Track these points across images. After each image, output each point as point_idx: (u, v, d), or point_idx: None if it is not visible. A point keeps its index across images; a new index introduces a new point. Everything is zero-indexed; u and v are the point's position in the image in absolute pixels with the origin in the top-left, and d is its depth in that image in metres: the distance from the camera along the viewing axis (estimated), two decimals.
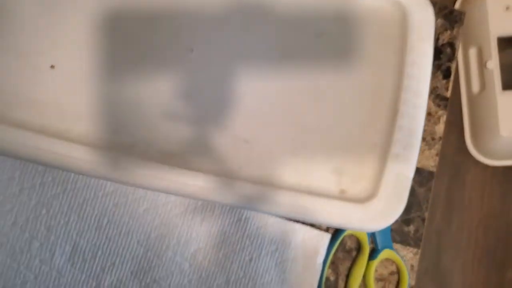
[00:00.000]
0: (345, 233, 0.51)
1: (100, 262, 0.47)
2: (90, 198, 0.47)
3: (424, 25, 0.45)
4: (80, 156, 0.37)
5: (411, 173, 0.42)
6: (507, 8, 1.17)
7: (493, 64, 1.14)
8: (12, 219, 0.46)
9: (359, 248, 0.53)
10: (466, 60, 1.23)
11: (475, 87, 1.21)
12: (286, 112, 0.43)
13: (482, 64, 1.18)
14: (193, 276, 0.48)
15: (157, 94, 0.41)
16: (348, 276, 0.53)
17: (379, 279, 0.53)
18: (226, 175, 0.40)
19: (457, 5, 1.26)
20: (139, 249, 0.48)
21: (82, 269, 0.47)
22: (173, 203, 0.48)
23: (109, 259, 0.47)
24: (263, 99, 0.43)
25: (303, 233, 0.50)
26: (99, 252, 0.47)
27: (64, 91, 0.40)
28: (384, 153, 0.43)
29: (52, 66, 0.39)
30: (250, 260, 0.49)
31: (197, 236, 0.49)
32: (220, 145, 0.42)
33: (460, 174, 1.25)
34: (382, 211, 0.41)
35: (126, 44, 0.41)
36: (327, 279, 0.52)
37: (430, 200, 0.56)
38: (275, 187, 0.40)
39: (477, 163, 1.24)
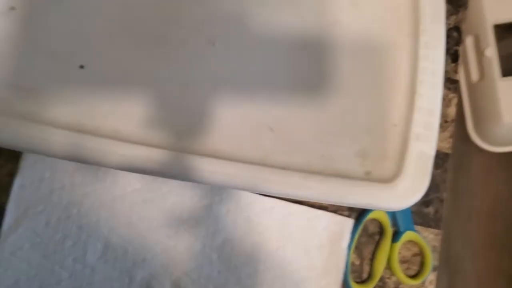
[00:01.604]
0: (367, 218, 0.52)
1: (132, 257, 0.48)
2: (119, 195, 0.48)
3: (435, 7, 0.46)
4: (115, 151, 0.38)
5: (432, 151, 0.44)
6: None
7: (491, 51, 1.16)
8: (44, 220, 0.47)
9: (381, 232, 0.54)
10: (464, 49, 1.24)
11: (474, 75, 1.23)
12: (308, 98, 0.44)
13: (480, 52, 1.20)
14: (222, 266, 0.49)
15: (184, 85, 0.42)
16: (372, 259, 0.54)
17: (402, 261, 0.54)
18: (253, 163, 0.41)
19: None
20: (169, 243, 0.49)
21: (115, 266, 0.48)
22: (199, 195, 0.49)
23: (141, 255, 0.48)
24: (284, 86, 0.44)
25: (327, 220, 0.52)
26: (130, 248, 0.48)
27: (93, 90, 0.41)
28: (405, 133, 0.44)
29: (81, 66, 0.40)
30: (277, 248, 0.50)
31: (224, 227, 0.50)
32: (246, 133, 0.43)
33: (464, 163, 1.27)
34: (408, 188, 0.43)
35: (152, 42, 0.43)
36: (352, 263, 0.53)
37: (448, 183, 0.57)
38: (304, 172, 0.41)
39: (481, 150, 1.25)
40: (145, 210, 0.48)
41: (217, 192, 0.50)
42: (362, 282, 0.53)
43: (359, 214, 0.53)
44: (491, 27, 1.17)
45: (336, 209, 0.53)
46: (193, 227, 0.49)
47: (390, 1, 0.47)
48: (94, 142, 0.38)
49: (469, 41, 1.20)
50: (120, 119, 0.40)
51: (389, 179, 0.43)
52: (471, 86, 1.24)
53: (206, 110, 0.42)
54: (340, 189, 0.41)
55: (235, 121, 0.43)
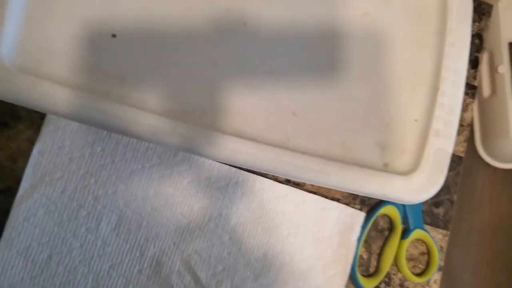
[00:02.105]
0: (378, 213, 0.53)
1: (145, 232, 0.48)
2: (137, 169, 0.48)
3: (462, 8, 0.47)
4: (141, 121, 0.39)
5: (450, 148, 0.44)
6: None
7: (505, 68, 1.16)
8: (61, 187, 0.47)
9: (391, 227, 0.54)
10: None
11: (486, 91, 1.23)
12: (332, 86, 0.45)
13: (493, 69, 1.20)
14: (233, 248, 0.50)
15: (213, 64, 0.43)
16: (380, 254, 0.54)
17: (409, 258, 0.55)
18: (275, 145, 0.42)
19: None
20: (183, 220, 0.49)
21: (127, 239, 0.48)
22: (215, 176, 0.50)
23: (154, 230, 0.48)
24: (310, 73, 0.45)
25: (339, 211, 0.52)
26: (144, 223, 0.48)
27: (124, 59, 0.41)
28: (425, 128, 0.45)
29: (113, 35, 0.41)
30: (288, 235, 0.51)
31: (237, 210, 0.50)
32: (269, 116, 0.43)
33: (470, 177, 1.27)
34: (424, 183, 0.43)
35: (184, 16, 0.43)
36: (360, 257, 0.53)
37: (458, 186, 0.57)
38: (324, 158, 0.42)
39: (487, 165, 1.25)
40: (161, 186, 0.49)
41: (233, 175, 0.50)
42: (369, 276, 0.54)
43: (370, 208, 0.53)
44: (506, 45, 1.18)
45: (348, 202, 0.53)
46: (207, 207, 0.49)
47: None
48: (121, 110, 0.39)
49: (483, 57, 1.21)
50: (148, 91, 0.41)
51: (406, 172, 0.44)
52: (482, 100, 1.24)
53: (232, 89, 0.43)
54: (358, 178, 0.42)
55: (259, 103, 0.43)
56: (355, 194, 0.53)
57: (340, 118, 0.44)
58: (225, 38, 0.43)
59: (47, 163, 0.47)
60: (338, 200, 0.53)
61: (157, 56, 0.41)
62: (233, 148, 0.40)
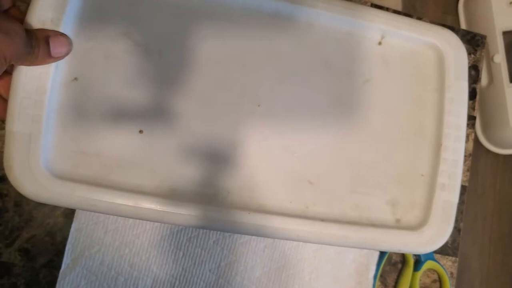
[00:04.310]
0: None
1: None
2: (166, 235, 0.52)
3: (459, 64, 0.50)
4: (175, 211, 0.43)
5: (456, 199, 0.48)
6: (511, 3, 1.22)
7: (500, 57, 1.19)
8: (100, 259, 0.51)
9: (404, 261, 0.59)
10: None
11: (484, 80, 1.26)
12: (345, 153, 0.48)
13: (489, 58, 1.23)
14: None
15: (233, 146, 0.46)
16: (395, 287, 0.58)
17: (422, 287, 0.59)
18: (296, 215, 0.46)
19: (460, 2, 1.30)
20: (211, 277, 0.53)
21: None
22: (238, 234, 0.54)
23: None
24: (323, 143, 0.48)
25: (354, 252, 0.56)
26: (177, 283, 0.52)
27: (152, 153, 0.45)
28: (431, 183, 0.48)
29: (140, 131, 0.44)
30: (310, 280, 0.55)
31: (261, 262, 0.54)
32: (288, 187, 0.47)
33: (472, 163, 1.31)
34: (434, 235, 0.47)
35: (203, 106, 0.46)
36: None
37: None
38: (341, 222, 0.46)
39: (488, 152, 1.30)
40: (190, 247, 0.53)
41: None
42: None
43: None
44: (500, 34, 1.20)
45: None
46: (233, 262, 0.53)
47: (417, 59, 0.51)
48: (153, 202, 0.43)
49: None
50: (177, 180, 0.45)
51: (417, 226, 0.48)
52: (480, 90, 1.27)
53: (253, 167, 0.46)
54: (374, 239, 0.46)
55: (278, 177, 0.47)
56: None
57: (352, 182, 0.48)
58: (243, 120, 0.46)
59: (85, 239, 0.51)
60: None
61: (182, 146, 0.45)
62: (259, 224, 0.44)
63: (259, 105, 0.47)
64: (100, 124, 0.44)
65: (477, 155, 1.30)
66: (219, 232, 0.53)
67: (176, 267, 0.53)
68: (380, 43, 0.50)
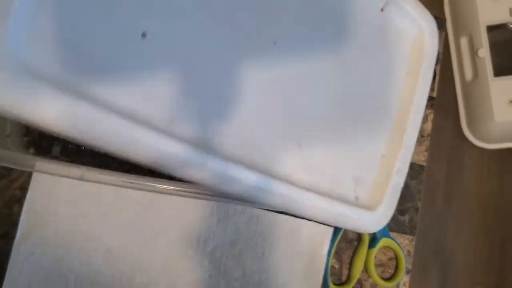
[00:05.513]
0: None
1: (131, 263, 0.53)
2: (121, 207, 0.53)
3: (433, 53, 0.50)
4: (167, 148, 0.36)
5: (402, 184, 0.49)
6: None
7: (484, 52, 1.19)
8: (53, 229, 0.52)
9: (359, 238, 0.59)
10: (458, 49, 1.27)
11: (468, 74, 1.26)
12: (334, 125, 0.48)
13: (473, 52, 1.23)
14: (213, 271, 0.55)
15: (240, 83, 0.42)
16: (350, 263, 0.59)
17: (379, 264, 0.60)
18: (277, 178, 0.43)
19: None
20: (165, 250, 0.54)
21: (116, 269, 0.53)
22: (192, 208, 0.55)
23: (139, 260, 0.54)
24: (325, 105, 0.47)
25: (308, 228, 0.57)
26: (130, 254, 0.53)
27: (151, 72, 0.37)
28: (389, 166, 0.49)
29: (143, 35, 0.37)
30: (263, 254, 0.56)
31: (215, 236, 0.55)
32: (274, 146, 0.44)
33: (458, 158, 1.31)
34: (383, 215, 0.48)
35: (219, 26, 0.41)
36: (332, 267, 0.59)
37: (425, 188, 0.62)
38: (314, 192, 0.45)
39: (474, 146, 1.29)
40: (143, 220, 0.54)
41: (208, 205, 0.55)
42: (341, 284, 0.59)
43: None
44: (484, 28, 1.20)
45: None
46: (186, 236, 0.54)
47: (404, 38, 0.51)
48: (145, 134, 0.35)
49: (463, 41, 1.23)
50: (158, 104, 0.37)
51: (372, 206, 0.48)
52: (465, 84, 1.27)
53: (248, 109, 0.42)
54: (335, 212, 0.46)
55: (270, 131, 0.44)
56: None
57: (335, 153, 0.48)
58: (256, 55, 0.43)
59: (40, 209, 0.52)
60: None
61: (188, 73, 0.39)
62: (235, 177, 0.40)
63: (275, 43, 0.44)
64: (94, 11, 0.34)
65: (462, 150, 1.29)
66: (172, 207, 0.54)
67: (130, 239, 0.54)
68: (382, 10, 0.50)
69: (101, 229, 0.53)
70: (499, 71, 1.19)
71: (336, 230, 0.57)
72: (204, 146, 0.39)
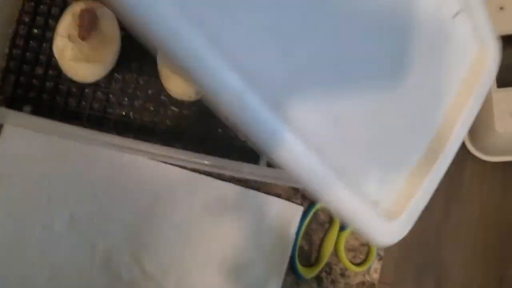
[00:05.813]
0: (318, 207, 0.57)
1: (95, 229, 0.53)
2: (85, 172, 0.53)
3: (491, 73, 0.46)
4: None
5: (425, 203, 0.44)
6: (501, 8, 1.21)
7: None
8: (18, 189, 0.53)
9: (331, 220, 0.58)
10: None
11: None
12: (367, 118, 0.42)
13: None
14: (178, 242, 0.54)
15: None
16: (320, 245, 0.58)
17: (350, 249, 0.58)
18: None
19: None
20: (130, 218, 0.54)
21: (79, 234, 0.53)
22: (161, 178, 0.54)
23: (103, 226, 0.53)
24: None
25: (278, 206, 0.56)
26: (94, 220, 0.53)
27: None
28: (419, 182, 0.43)
29: None
30: (231, 229, 0.55)
31: (182, 207, 0.55)
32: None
33: (459, 170, 1.29)
34: (398, 229, 0.38)
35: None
36: (301, 248, 0.57)
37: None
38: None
39: (475, 159, 1.27)
40: (109, 186, 0.53)
41: (177, 175, 0.54)
42: (310, 265, 0.57)
43: (311, 202, 0.57)
44: None
45: (289, 197, 0.57)
46: (153, 205, 0.54)
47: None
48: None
49: None
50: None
51: (390, 216, 0.41)
52: None
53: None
54: (352, 207, 0.40)
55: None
56: (296, 189, 0.57)
57: (370, 139, 0.42)
58: None
59: (5, 168, 0.52)
60: (279, 195, 0.56)
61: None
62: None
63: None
64: None
65: (464, 162, 1.28)
66: (141, 175, 0.54)
67: (94, 204, 0.54)
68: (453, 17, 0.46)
69: (66, 194, 0.53)
70: (502, 82, 1.18)
71: (307, 210, 0.56)
72: None
